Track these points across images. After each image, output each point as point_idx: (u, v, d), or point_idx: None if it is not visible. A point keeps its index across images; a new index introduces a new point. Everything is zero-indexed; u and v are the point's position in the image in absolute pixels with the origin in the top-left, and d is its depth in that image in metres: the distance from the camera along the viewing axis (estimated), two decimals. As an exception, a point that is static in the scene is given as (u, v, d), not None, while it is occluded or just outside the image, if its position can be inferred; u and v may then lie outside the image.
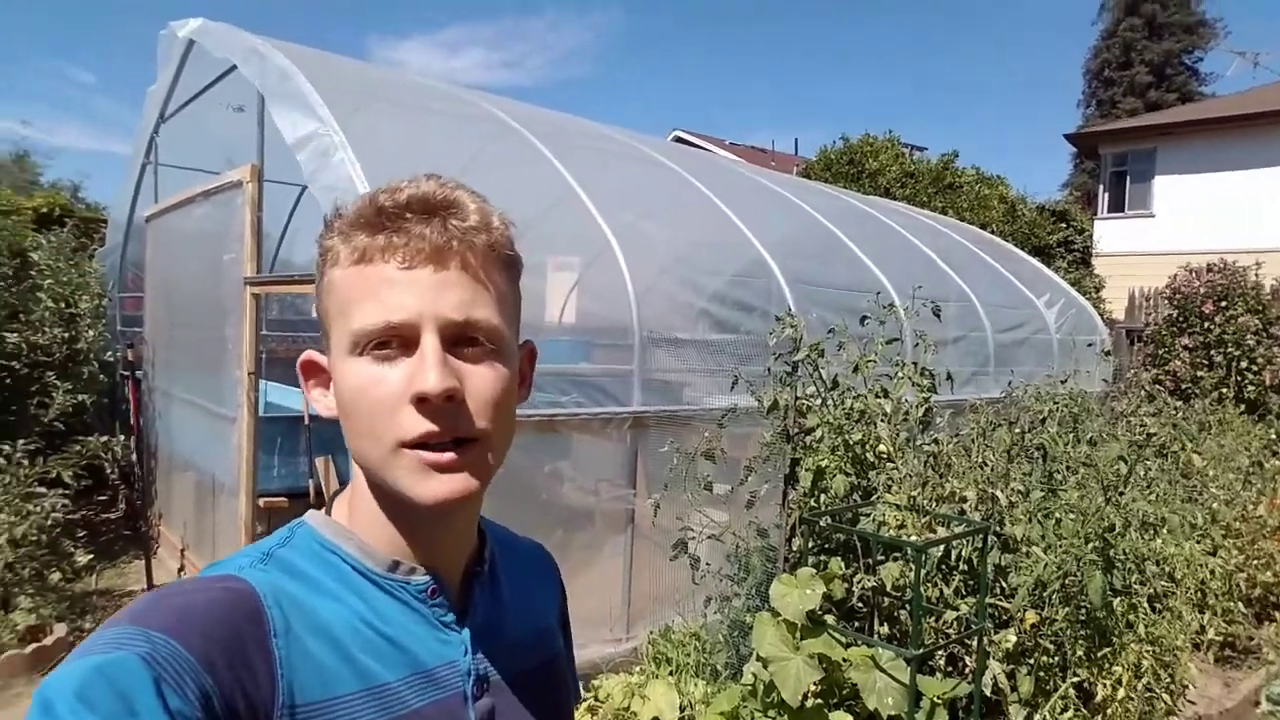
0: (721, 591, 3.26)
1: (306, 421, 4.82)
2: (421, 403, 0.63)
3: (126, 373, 5.36)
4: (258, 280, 3.98)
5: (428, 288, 0.64)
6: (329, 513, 0.75)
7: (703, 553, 3.19)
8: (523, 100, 6.31)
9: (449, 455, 0.64)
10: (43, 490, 4.44)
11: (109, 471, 5.92)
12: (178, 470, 5.12)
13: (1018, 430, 3.78)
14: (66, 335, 5.52)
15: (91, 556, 4.97)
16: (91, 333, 5.68)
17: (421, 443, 0.63)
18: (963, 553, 2.98)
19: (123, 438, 5.77)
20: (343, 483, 4.72)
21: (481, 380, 0.66)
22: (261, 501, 4.25)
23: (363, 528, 0.71)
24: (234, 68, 4.15)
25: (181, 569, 4.90)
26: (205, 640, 0.57)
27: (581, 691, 2.64)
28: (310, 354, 0.73)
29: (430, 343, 0.63)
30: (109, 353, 5.99)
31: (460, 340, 0.65)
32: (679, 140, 21.70)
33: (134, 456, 5.36)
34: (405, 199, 0.65)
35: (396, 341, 0.64)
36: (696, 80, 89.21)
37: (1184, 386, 7.41)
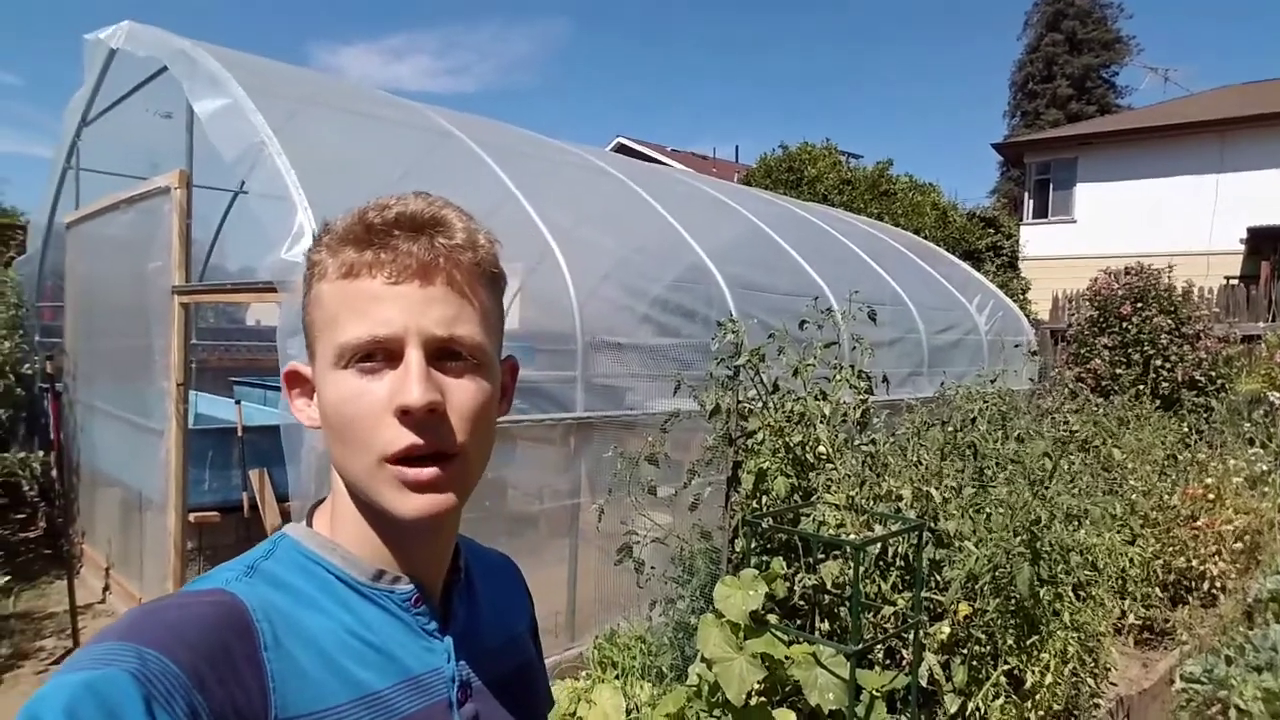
0: (666, 594, 3.29)
1: (240, 433, 4.68)
2: (405, 415, 0.64)
3: (46, 385, 5.12)
4: (186, 289, 3.86)
5: (413, 303, 0.65)
6: (309, 524, 0.75)
7: (647, 556, 3.20)
8: (466, 107, 6.26)
9: (430, 471, 0.65)
10: (-46, 510, 4.23)
11: (27, 489, 5.67)
12: (102, 486, 4.90)
13: (950, 429, 3.90)
14: (-20, 347, 5.27)
15: (9, 578, 4.74)
16: (8, 344, 5.44)
17: (404, 456, 0.64)
18: (899, 549, 3.06)
19: (42, 453, 5.53)
20: (279, 495, 4.59)
21: (464, 394, 0.67)
22: (192, 516, 4.11)
23: (346, 538, 0.71)
24: (162, 70, 4.03)
25: (106, 588, 4.70)
26: (195, 655, 0.56)
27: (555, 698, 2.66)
28: (294, 365, 0.74)
29: (414, 357, 0.64)
30: (27, 365, 5.73)
31: (444, 355, 0.67)
32: (622, 147, 21.78)
33: (54, 472, 5.12)
34: (394, 216, 0.67)
35: (381, 355, 0.65)
36: (639, 89, 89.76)
37: (1104, 384, 7.74)
